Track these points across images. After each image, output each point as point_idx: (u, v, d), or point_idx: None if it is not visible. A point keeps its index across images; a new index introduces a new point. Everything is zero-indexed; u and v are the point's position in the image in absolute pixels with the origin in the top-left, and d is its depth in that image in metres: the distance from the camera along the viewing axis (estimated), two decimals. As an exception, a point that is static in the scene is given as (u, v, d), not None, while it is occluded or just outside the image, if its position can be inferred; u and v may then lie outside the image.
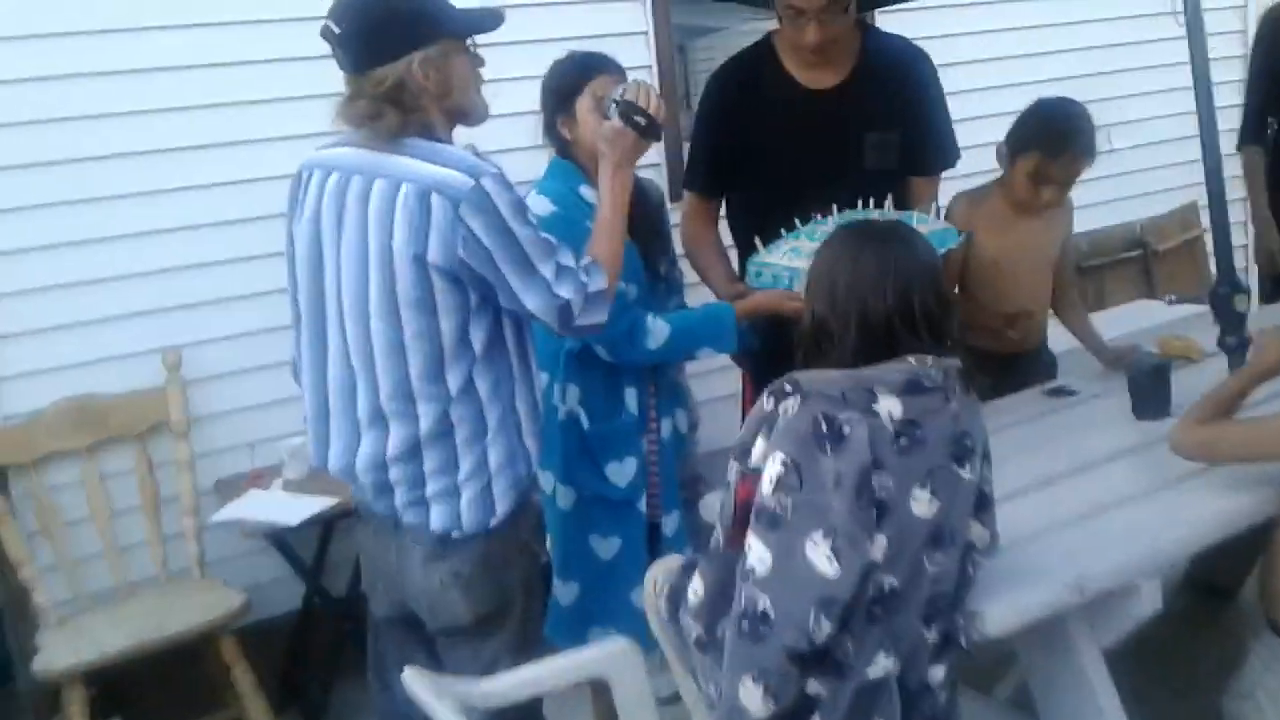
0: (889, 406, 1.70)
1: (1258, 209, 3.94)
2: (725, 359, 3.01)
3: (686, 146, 3.13)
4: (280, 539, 3.09)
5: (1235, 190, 4.58)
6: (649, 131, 2.25)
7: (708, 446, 3.64)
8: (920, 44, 2.98)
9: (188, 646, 3.03)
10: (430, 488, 2.08)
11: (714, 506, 2.47)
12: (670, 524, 2.77)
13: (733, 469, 1.80)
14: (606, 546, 2.70)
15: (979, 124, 3.26)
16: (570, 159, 2.61)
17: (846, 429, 1.66)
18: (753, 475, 1.74)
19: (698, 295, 2.98)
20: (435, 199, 1.94)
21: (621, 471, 2.67)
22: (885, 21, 3.01)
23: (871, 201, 2.64)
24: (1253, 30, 5.40)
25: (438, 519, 2.09)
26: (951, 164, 3.00)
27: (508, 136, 2.57)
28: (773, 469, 1.68)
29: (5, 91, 3.08)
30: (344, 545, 3.18)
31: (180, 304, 3.31)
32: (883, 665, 1.71)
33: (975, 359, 2.66)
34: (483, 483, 2.09)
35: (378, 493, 2.13)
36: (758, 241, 2.70)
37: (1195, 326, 4.41)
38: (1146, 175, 4.97)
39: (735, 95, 2.90)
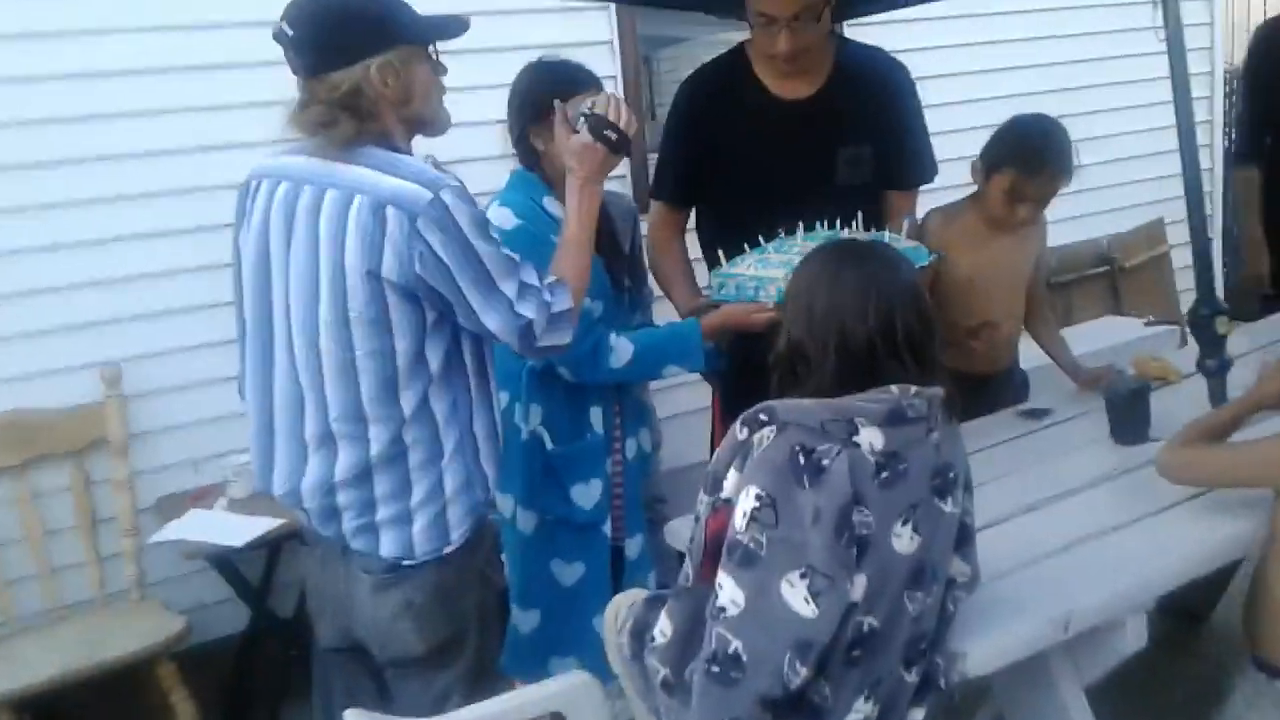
0: (870, 438, 1.61)
1: (1250, 230, 3.86)
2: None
3: (652, 158, 3.05)
4: (224, 560, 2.97)
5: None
6: (619, 147, 2.16)
7: (671, 464, 3.60)
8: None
9: (125, 672, 2.89)
10: (381, 513, 1.98)
11: (680, 532, 2.38)
12: (634, 548, 2.68)
13: (703, 501, 1.70)
14: (569, 572, 2.59)
15: (951, 138, 3.19)
16: (536, 171, 2.50)
17: (826, 461, 1.57)
18: (724, 508, 1.64)
19: (666, 311, 2.89)
20: (391, 212, 1.84)
21: (587, 494, 2.57)
22: (858, 33, 2.93)
23: (839, 220, 2.56)
24: (1220, 46, 5.45)
25: (389, 546, 1.99)
26: (928, 179, 2.92)
27: (467, 146, 2.47)
28: (746, 503, 1.59)
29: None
30: (292, 565, 3.07)
31: (120, 317, 3.19)
32: (861, 711, 1.62)
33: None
34: (437, 508, 1.99)
35: (324, 518, 2.02)
36: (721, 255, 2.61)
37: (1163, 345, 4.45)
38: (1113, 191, 4.94)
39: (706, 103, 2.82)
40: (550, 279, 2.03)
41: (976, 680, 1.83)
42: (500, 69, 2.56)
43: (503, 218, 2.40)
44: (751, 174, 2.74)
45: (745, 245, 2.56)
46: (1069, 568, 1.99)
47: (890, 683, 1.65)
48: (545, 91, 2.39)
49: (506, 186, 2.53)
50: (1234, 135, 3.87)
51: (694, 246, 2.97)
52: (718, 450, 1.71)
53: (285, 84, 1.96)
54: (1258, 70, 3.84)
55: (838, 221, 2.55)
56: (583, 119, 2.16)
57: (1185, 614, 3.26)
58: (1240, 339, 2.93)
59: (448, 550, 2.01)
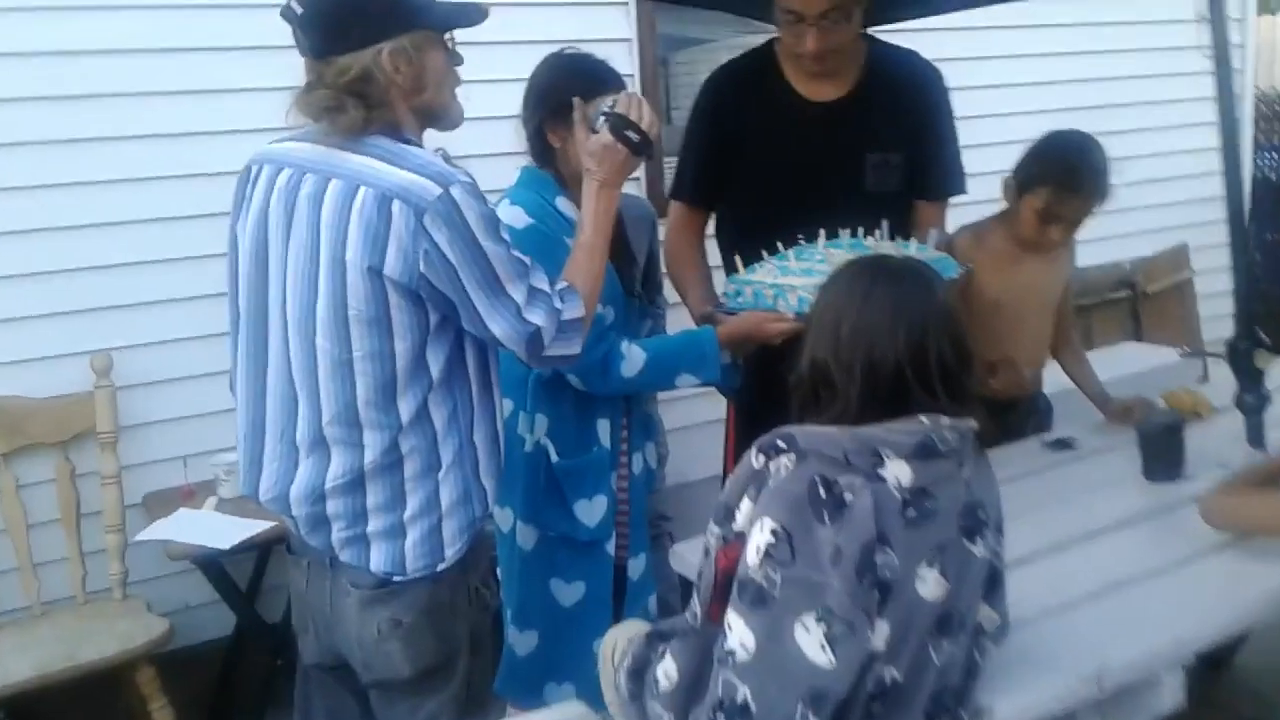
0: (897, 472, 1.49)
1: None
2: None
3: (669, 162, 2.96)
4: (210, 562, 2.85)
5: (1214, 231, 4.48)
6: (641, 148, 2.07)
7: (678, 479, 3.48)
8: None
9: (103, 675, 2.79)
10: (372, 524, 1.88)
11: (686, 558, 2.27)
12: (636, 568, 2.57)
13: (713, 533, 1.58)
14: (569, 592, 2.48)
15: (980, 152, 3.06)
16: (549, 169, 2.39)
17: (848, 496, 1.46)
18: (736, 541, 1.52)
19: (682, 320, 2.77)
20: (396, 206, 1.74)
21: (591, 510, 2.45)
22: (893, 39, 2.82)
23: (862, 230, 2.46)
24: (1251, 70, 5.33)
25: (379, 560, 1.89)
26: (959, 191, 2.81)
27: (476, 141, 2.37)
28: (760, 537, 1.47)
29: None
30: (282, 569, 2.89)
31: (114, 304, 3.09)
32: (879, 769, 1.50)
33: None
34: (432, 522, 1.89)
35: (312, 526, 1.92)
36: (738, 261, 2.50)
37: (1183, 375, 4.33)
38: (1137, 214, 4.82)
39: (730, 100, 2.71)
40: (562, 285, 1.93)
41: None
42: (514, 62, 2.46)
43: (514, 216, 2.30)
44: (775, 177, 2.64)
45: (765, 251, 2.46)
46: (1101, 617, 1.87)
47: (911, 739, 1.54)
48: (566, 87, 2.28)
49: (517, 184, 2.43)
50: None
51: (714, 253, 2.86)
52: (730, 477, 1.60)
53: (292, 68, 1.87)
54: None
55: (862, 229, 2.46)
56: (603, 118, 2.07)
57: (1206, 660, 3.13)
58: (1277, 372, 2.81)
59: (441, 567, 1.90)
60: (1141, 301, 4.92)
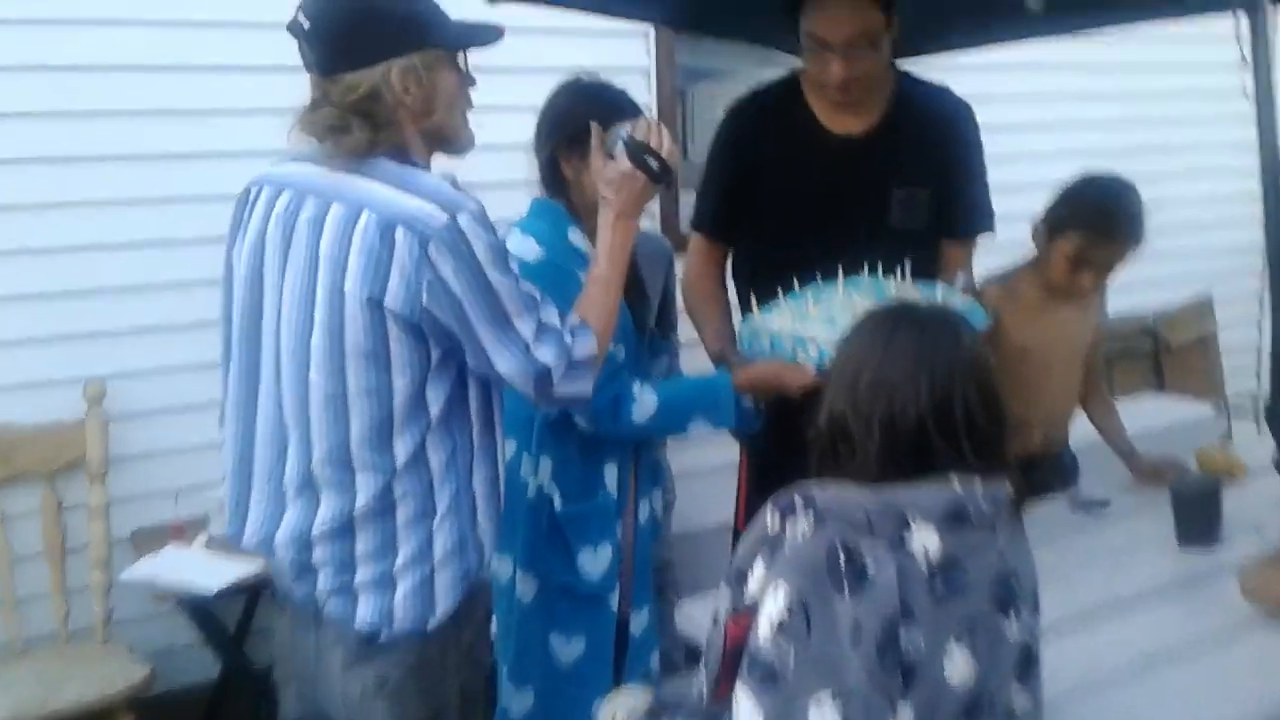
0: (925, 540, 1.37)
1: None
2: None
3: (685, 197, 2.84)
4: (196, 605, 2.73)
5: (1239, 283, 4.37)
6: (660, 176, 1.98)
7: (685, 527, 3.37)
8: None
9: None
10: (360, 574, 1.77)
11: (693, 617, 2.15)
12: (639, 622, 2.44)
13: (723, 599, 1.47)
14: (569, 649, 2.35)
15: (1009, 193, 2.96)
16: (561, 200, 2.29)
17: (871, 566, 1.34)
18: (747, 611, 1.40)
19: (698, 360, 2.68)
20: (400, 234, 1.64)
21: (595, 561, 2.33)
22: (923, 74, 2.74)
23: (881, 267, 2.36)
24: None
25: (366, 613, 1.77)
26: (986, 229, 2.70)
27: (487, 170, 2.24)
28: (774, 608, 1.35)
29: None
30: (272, 611, 2.83)
31: (107, 330, 3.01)
32: None
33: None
34: (424, 573, 1.78)
35: (298, 574, 1.81)
36: (753, 300, 2.40)
37: (1207, 431, 4.20)
38: (1162, 262, 4.71)
39: (753, 129, 2.62)
40: (573, 321, 1.83)
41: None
42: (528, 90, 2.37)
43: (525, 248, 2.20)
44: (798, 210, 2.55)
45: (782, 289, 2.36)
46: (1137, 700, 1.73)
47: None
48: (582, 114, 2.18)
49: (529, 214, 2.32)
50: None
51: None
52: (743, 538, 1.49)
53: (298, 90, 1.77)
54: None
55: (882, 268, 2.36)
56: (621, 144, 1.98)
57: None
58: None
59: (432, 623, 1.79)
60: (1164, 353, 4.81)
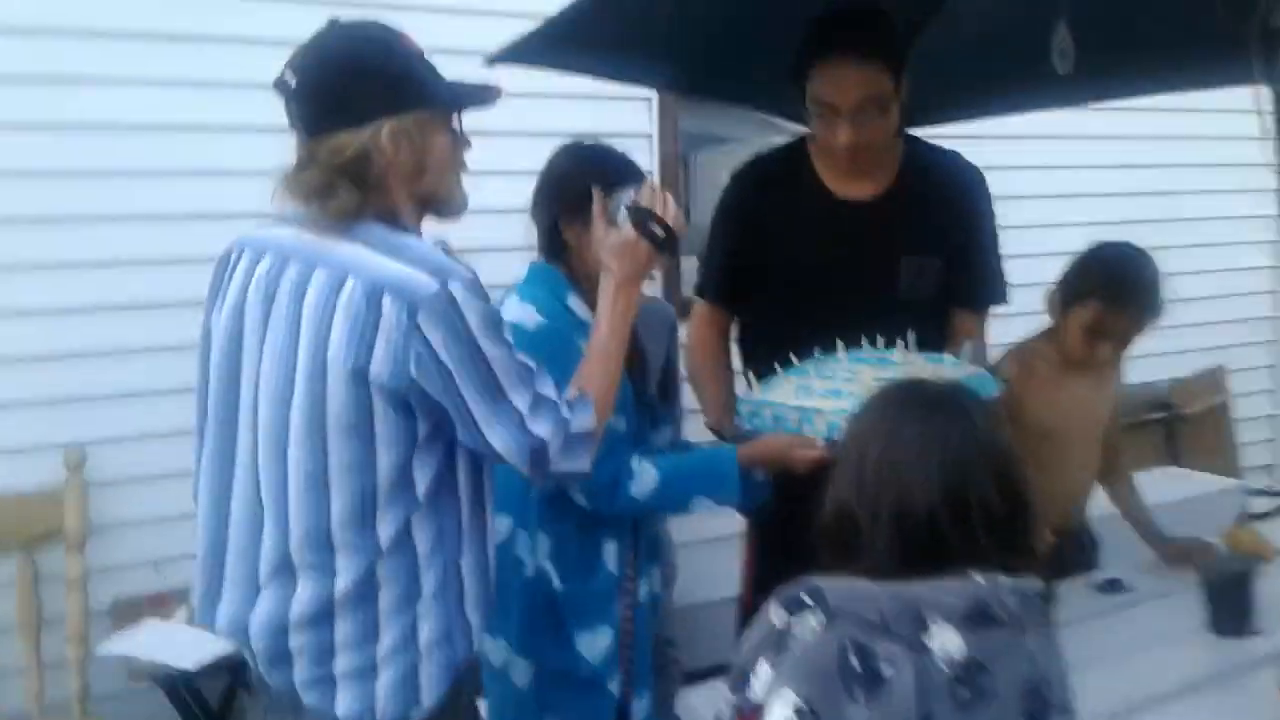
0: (946, 641, 1.26)
1: None
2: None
3: (686, 261, 2.76)
4: (173, 684, 2.61)
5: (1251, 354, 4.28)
6: (666, 244, 1.91)
7: (688, 600, 3.26)
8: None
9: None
10: (340, 663, 1.65)
11: (696, 709, 2.03)
12: (640, 709, 2.31)
13: (726, 701, 1.35)
14: (567, 738, 2.23)
15: (1021, 262, 2.89)
16: (558, 265, 2.21)
17: (887, 668, 1.24)
18: (752, 715, 1.29)
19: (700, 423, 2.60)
20: (388, 301, 1.56)
21: (594, 644, 2.21)
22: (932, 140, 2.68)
23: (883, 342, 2.27)
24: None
25: (346, 704, 1.66)
26: (998, 301, 2.61)
27: (485, 234, 2.18)
28: (782, 713, 1.25)
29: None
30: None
31: (86, 394, 2.92)
32: None
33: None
34: (408, 663, 1.67)
35: (273, 662, 1.69)
36: (750, 378, 2.31)
37: (1224, 505, 4.08)
38: (1176, 332, 4.65)
39: (758, 196, 2.55)
40: (572, 393, 1.74)
41: None
42: (529, 154, 2.29)
43: (525, 315, 2.11)
44: (804, 278, 2.47)
45: (787, 358, 2.27)
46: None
47: None
48: (584, 178, 2.10)
49: (526, 280, 2.23)
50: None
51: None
52: (746, 635, 1.37)
53: (284, 152, 1.69)
54: None
55: (889, 338, 2.27)
56: (624, 210, 1.91)
57: None
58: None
59: (417, 715, 1.67)
60: (1177, 424, 4.71)
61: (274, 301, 1.64)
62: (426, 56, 1.70)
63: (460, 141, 1.75)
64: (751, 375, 2.33)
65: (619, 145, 2.27)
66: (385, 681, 1.65)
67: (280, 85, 1.64)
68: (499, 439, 1.63)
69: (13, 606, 2.82)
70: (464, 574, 1.71)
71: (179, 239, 2.94)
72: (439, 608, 1.68)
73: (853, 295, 2.39)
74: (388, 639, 1.65)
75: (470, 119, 1.76)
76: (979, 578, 1.30)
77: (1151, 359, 4.48)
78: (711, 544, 3.19)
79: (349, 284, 1.57)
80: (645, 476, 2.14)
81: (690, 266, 2.76)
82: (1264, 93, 2.06)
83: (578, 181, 2.12)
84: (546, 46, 2.36)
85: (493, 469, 1.77)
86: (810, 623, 1.29)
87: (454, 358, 1.57)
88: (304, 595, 1.64)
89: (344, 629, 1.64)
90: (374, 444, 1.59)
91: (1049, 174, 4.35)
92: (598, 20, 2.26)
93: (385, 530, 1.62)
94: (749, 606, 2.64)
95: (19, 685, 2.81)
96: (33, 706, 2.80)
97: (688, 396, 2.67)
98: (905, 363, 2.20)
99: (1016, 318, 2.66)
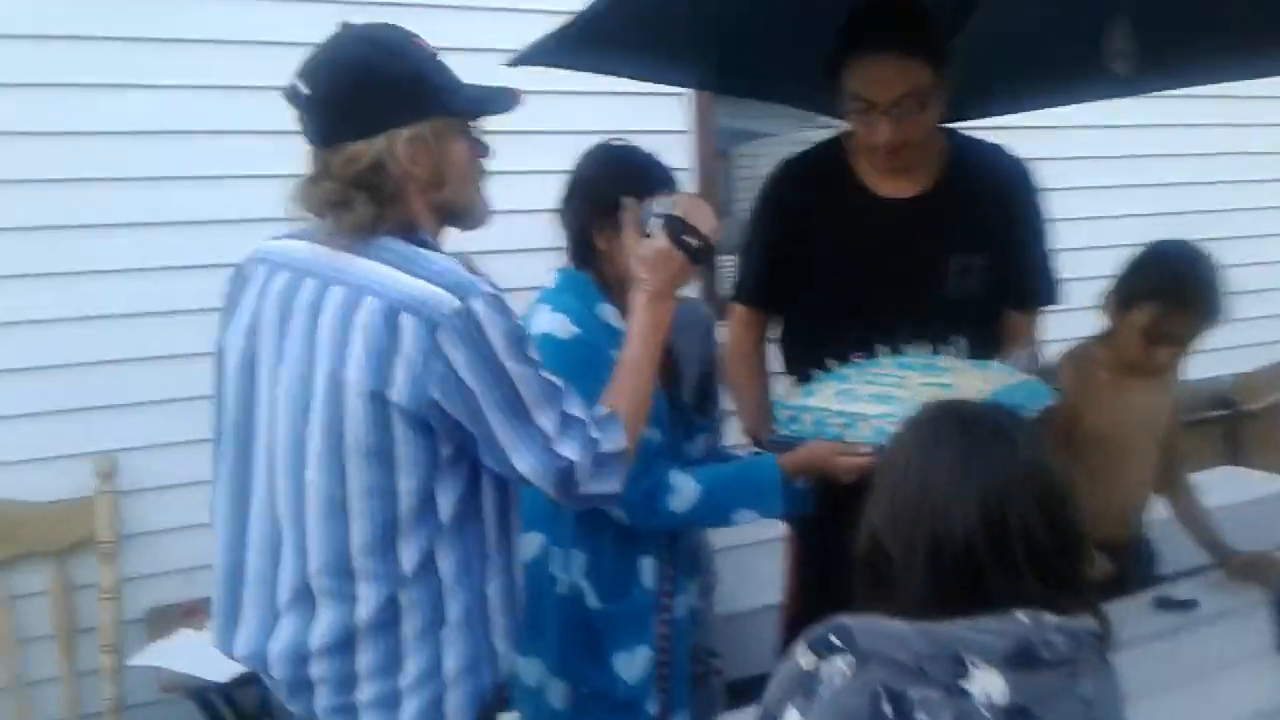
0: (988, 684, 1.17)
1: None
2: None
3: (723, 261, 2.73)
4: (205, 696, 2.57)
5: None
6: (700, 255, 1.82)
7: (729, 608, 3.18)
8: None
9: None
10: (363, 692, 1.60)
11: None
12: (678, 728, 2.24)
13: None
14: (604, 759, 2.16)
15: (1074, 256, 2.77)
16: (589, 271, 2.13)
17: (923, 717, 1.15)
18: None
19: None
20: (406, 320, 1.49)
21: (631, 664, 2.14)
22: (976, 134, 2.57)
23: (935, 340, 2.17)
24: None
25: None
26: (1049, 301, 2.51)
27: (520, 236, 2.20)
28: None
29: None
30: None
31: (115, 402, 2.88)
32: None
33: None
34: (433, 692, 1.61)
35: (294, 691, 1.64)
36: (799, 375, 2.25)
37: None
38: (1237, 327, 4.50)
39: (795, 197, 2.47)
40: (601, 411, 1.67)
41: None
42: (563, 153, 2.20)
43: (558, 325, 2.04)
44: (845, 280, 2.39)
45: (829, 362, 2.19)
46: None
47: None
48: (615, 184, 2.03)
49: (558, 287, 2.15)
50: None
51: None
52: (773, 677, 1.29)
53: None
54: None
55: (936, 342, 2.17)
56: (658, 220, 1.82)
57: None
58: None
59: None
60: (1240, 422, 4.56)
61: (289, 320, 1.58)
62: (441, 58, 1.63)
63: (479, 148, 1.69)
64: (799, 371, 2.25)
65: (655, 143, 2.19)
66: (410, 712, 1.60)
67: (291, 94, 1.58)
68: (524, 462, 1.56)
69: (46, 616, 2.81)
70: (490, 600, 1.65)
71: (207, 244, 2.89)
72: (465, 636, 1.62)
73: (897, 296, 2.31)
74: (412, 668, 1.59)
75: (501, 120, 1.68)
76: (1023, 616, 1.21)
77: (1213, 354, 4.37)
78: (754, 548, 3.11)
79: (366, 302, 1.51)
80: (685, 490, 2.07)
81: (730, 265, 2.67)
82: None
83: (607, 185, 2.04)
84: (569, 47, 2.28)
85: (519, 493, 1.70)
86: (839, 666, 1.20)
87: (476, 378, 1.51)
88: (324, 623, 1.58)
89: (366, 658, 1.59)
90: (395, 468, 1.53)
91: (1101, 164, 4.22)
92: (621, 19, 2.18)
93: (408, 557, 1.57)
94: (793, 614, 2.57)
95: (54, 694, 2.80)
96: (68, 715, 2.79)
97: (726, 400, 2.57)
98: (953, 369, 2.11)
99: (1070, 313, 2.55)
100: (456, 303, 1.50)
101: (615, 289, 2.04)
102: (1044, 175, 2.48)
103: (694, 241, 1.80)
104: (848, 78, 2.24)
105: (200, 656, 2.57)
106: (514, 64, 2.27)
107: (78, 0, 2.87)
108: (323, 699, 1.61)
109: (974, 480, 1.25)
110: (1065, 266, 2.52)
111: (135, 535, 2.91)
